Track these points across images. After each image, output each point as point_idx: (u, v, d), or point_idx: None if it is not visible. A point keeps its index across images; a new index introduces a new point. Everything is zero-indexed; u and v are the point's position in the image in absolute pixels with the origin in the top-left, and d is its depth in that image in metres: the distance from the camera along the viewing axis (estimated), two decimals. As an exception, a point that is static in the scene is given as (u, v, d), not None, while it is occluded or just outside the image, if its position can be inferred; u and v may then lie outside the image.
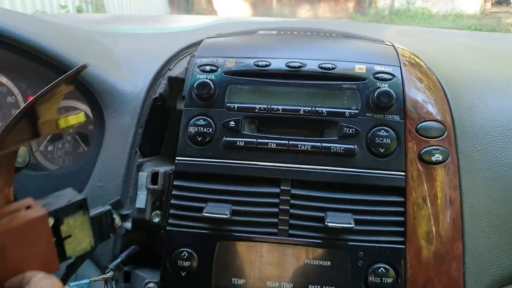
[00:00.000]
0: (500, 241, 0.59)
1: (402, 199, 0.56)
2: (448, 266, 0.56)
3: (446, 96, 0.61)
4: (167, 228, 0.58)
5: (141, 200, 0.61)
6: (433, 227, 0.56)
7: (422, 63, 0.64)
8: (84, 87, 0.64)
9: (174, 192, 0.58)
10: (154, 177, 0.60)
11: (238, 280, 0.56)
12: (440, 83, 0.62)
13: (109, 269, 0.56)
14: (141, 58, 0.70)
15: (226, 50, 0.63)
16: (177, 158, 0.58)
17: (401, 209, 0.56)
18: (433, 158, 0.57)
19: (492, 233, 0.59)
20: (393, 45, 0.66)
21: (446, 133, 0.58)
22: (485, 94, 0.65)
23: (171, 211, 0.58)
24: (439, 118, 0.58)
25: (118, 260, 0.58)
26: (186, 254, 0.56)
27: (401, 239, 0.55)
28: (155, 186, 0.60)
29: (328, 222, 0.54)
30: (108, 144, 0.63)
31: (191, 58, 0.64)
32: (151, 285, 0.58)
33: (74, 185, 0.45)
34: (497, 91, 0.66)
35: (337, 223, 0.54)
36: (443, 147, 0.58)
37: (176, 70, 0.65)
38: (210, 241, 0.56)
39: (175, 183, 0.58)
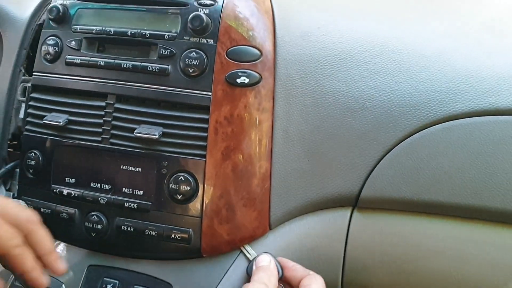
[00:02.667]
0: (312, 166, 0.62)
1: (206, 117, 0.60)
2: (248, 182, 0.61)
3: (274, 24, 0.63)
4: (24, 133, 0.68)
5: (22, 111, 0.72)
6: (233, 144, 0.60)
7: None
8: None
9: (30, 103, 0.68)
10: (24, 90, 0.70)
11: (70, 179, 0.65)
12: (273, 12, 0.64)
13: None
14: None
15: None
16: (33, 73, 0.68)
17: (205, 125, 0.60)
18: (238, 81, 0.60)
19: (305, 158, 0.62)
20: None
21: (261, 58, 0.61)
22: (329, 24, 0.65)
23: (28, 119, 0.68)
24: (255, 44, 0.61)
25: None
26: (33, 155, 0.66)
27: (203, 152, 0.60)
28: (23, 99, 0.70)
29: (136, 132, 0.61)
30: (2, 64, 0.74)
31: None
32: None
33: None
34: (344, 20, 0.66)
35: (143, 133, 0.61)
36: (254, 71, 0.61)
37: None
38: (50, 145, 0.66)
39: (31, 95, 0.68)
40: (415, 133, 0.59)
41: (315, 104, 0.61)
